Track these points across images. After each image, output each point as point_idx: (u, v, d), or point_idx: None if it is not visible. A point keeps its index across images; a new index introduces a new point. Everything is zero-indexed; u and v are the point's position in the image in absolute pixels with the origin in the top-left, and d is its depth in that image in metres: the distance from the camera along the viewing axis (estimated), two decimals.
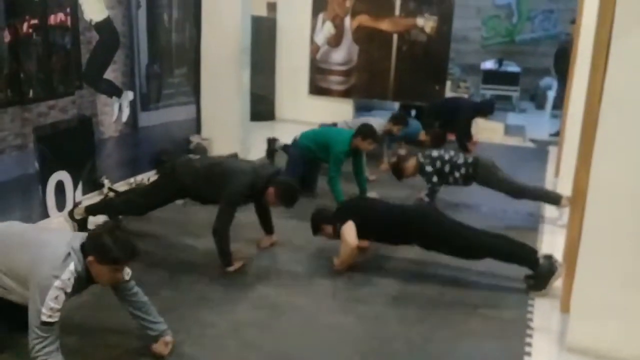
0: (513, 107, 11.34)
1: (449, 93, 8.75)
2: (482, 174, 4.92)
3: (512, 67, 11.47)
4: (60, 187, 4.49)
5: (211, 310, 3.15)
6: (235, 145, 6.45)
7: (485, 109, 7.75)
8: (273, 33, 9.07)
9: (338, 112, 8.74)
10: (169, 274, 3.62)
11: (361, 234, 3.71)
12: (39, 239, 2.54)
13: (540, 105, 11.98)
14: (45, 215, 4.37)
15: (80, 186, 4.73)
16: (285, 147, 6.28)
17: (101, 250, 2.40)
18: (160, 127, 5.89)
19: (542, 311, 3.34)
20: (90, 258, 2.42)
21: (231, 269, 3.66)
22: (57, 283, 2.33)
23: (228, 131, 6.51)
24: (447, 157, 5.02)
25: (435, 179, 4.99)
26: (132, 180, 5.43)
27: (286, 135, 6.77)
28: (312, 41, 8.98)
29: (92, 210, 4.21)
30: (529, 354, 2.90)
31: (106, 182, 5.05)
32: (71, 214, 4.20)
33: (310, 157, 5.39)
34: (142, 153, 5.62)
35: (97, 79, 4.91)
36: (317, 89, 9.08)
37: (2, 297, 2.58)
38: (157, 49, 5.70)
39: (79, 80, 4.64)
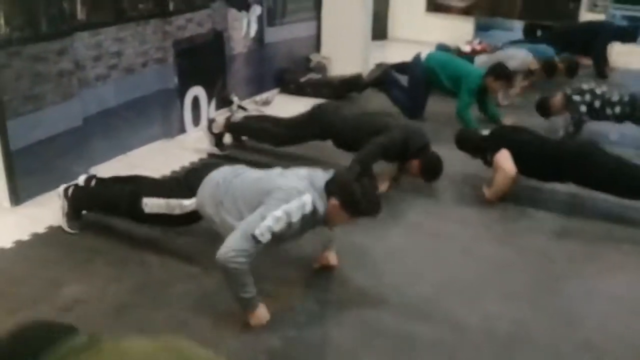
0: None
1: (583, 12, 7.95)
2: (639, 113, 4.43)
3: None
4: (195, 103, 4.48)
5: (365, 234, 3.05)
6: (356, 65, 6.18)
7: (627, 35, 6.99)
8: None
9: (457, 32, 8.23)
10: None
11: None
12: (275, 174, 2.49)
13: None
14: (183, 129, 4.39)
15: (213, 102, 4.70)
16: (402, 65, 5.97)
17: (351, 199, 2.32)
18: (284, 43, 5.74)
19: None
20: (334, 202, 2.33)
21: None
22: (285, 206, 2.24)
23: (348, 50, 6.23)
24: (599, 91, 4.53)
25: (583, 108, 4.54)
26: (257, 98, 5.36)
27: (401, 57, 6.43)
28: None
29: (231, 127, 4.18)
30: None
31: (235, 99, 5.01)
32: (210, 128, 4.19)
33: (432, 81, 5.08)
34: (266, 70, 5.54)
35: None
36: (435, 6, 8.54)
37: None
38: None
39: None
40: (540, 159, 3.50)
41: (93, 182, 3.01)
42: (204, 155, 4.10)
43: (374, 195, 2.36)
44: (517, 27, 8.90)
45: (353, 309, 2.48)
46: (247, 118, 4.36)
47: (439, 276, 2.76)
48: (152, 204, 2.64)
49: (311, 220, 2.34)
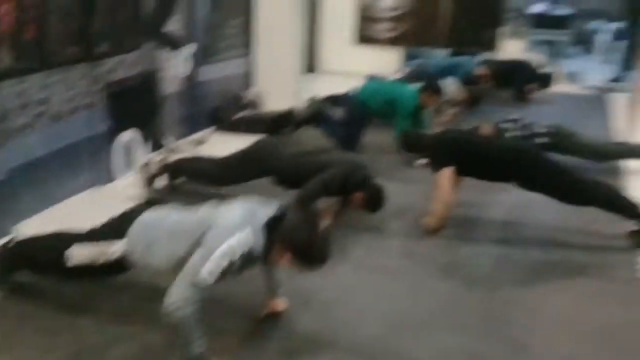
0: (560, 52, 10.89)
1: (504, 40, 8.34)
2: (564, 142, 4.66)
3: (563, 10, 10.93)
4: (128, 147, 4.34)
5: (312, 275, 2.98)
6: (288, 100, 6.19)
7: (543, 81, 7.39)
8: None
9: (385, 62, 8.44)
10: None
11: (461, 170, 3.56)
12: (211, 210, 2.40)
13: (588, 50, 11.51)
14: (115, 176, 4.23)
15: (147, 144, 4.57)
16: (334, 97, 6.05)
17: (300, 245, 2.23)
18: (217, 81, 5.69)
19: None
20: (280, 244, 2.26)
21: None
22: (225, 244, 2.15)
23: (280, 85, 6.26)
24: (526, 122, 4.78)
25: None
26: (192, 137, 5.27)
27: (330, 89, 6.50)
28: None
29: (167, 169, 4.07)
30: None
31: (169, 140, 4.90)
32: (144, 171, 4.06)
33: (369, 112, 5.18)
34: (200, 109, 5.46)
35: (159, 32, 4.69)
36: (362, 38, 8.74)
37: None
38: None
39: (144, 34, 4.43)
40: (488, 159, 3.60)
41: (12, 243, 2.82)
42: (139, 201, 3.95)
43: (326, 242, 2.30)
44: (439, 55, 9.27)
45: (304, 355, 2.42)
46: (183, 159, 4.26)
47: (389, 313, 2.74)
48: (75, 255, 2.44)
49: (251, 257, 2.25)
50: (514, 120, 4.77)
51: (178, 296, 2.11)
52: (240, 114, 5.75)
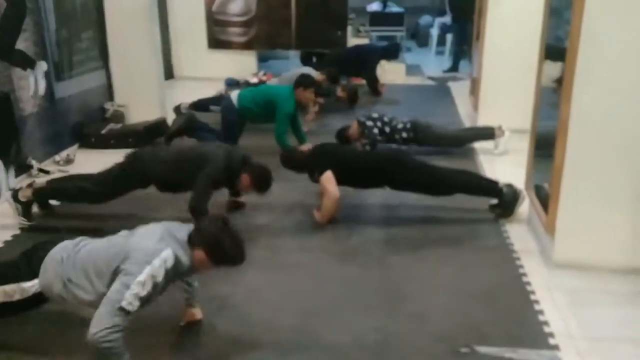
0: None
1: (350, 38, 8.85)
2: (422, 135, 5.14)
3: (396, 8, 11.81)
4: None
5: (222, 281, 3.07)
6: (153, 109, 6.09)
7: (391, 53, 7.99)
8: None
9: (241, 65, 8.56)
10: None
11: (337, 181, 3.78)
12: (126, 237, 2.39)
13: (423, 44, 12.54)
14: None
15: (11, 170, 4.29)
16: (202, 102, 6.11)
17: (218, 250, 2.32)
18: (76, 96, 5.45)
19: (517, 235, 3.66)
20: (200, 253, 2.31)
21: None
22: (148, 268, 2.17)
23: (143, 94, 6.11)
24: (386, 119, 5.19)
25: (376, 130, 5.11)
26: (57, 157, 5.01)
27: (190, 95, 6.54)
28: None
29: (39, 194, 3.85)
30: (525, 275, 3.19)
31: (34, 162, 4.63)
32: (15, 198, 3.81)
33: (247, 118, 5.29)
34: (62, 127, 5.20)
35: (9, 50, 4.40)
36: (216, 42, 8.77)
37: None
38: (64, 12, 5.19)
39: None
40: (361, 169, 3.90)
41: None
42: (15, 231, 3.73)
43: (240, 242, 2.41)
44: (292, 56, 9.60)
45: (233, 357, 2.51)
46: (54, 180, 4.07)
47: (299, 305, 2.91)
48: None
49: (175, 274, 2.32)
50: (375, 119, 5.16)
51: (103, 324, 2.11)
52: (108, 128, 5.54)
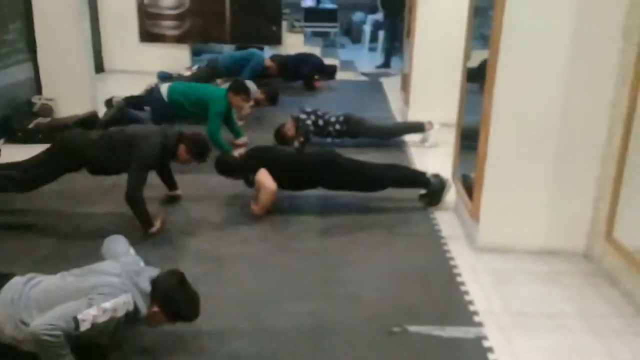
0: (333, 42, 11.94)
1: (285, 33, 8.92)
2: (354, 128, 5.30)
3: (329, 4, 11.99)
4: None
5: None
6: (84, 103, 5.97)
7: (327, 72, 8.07)
8: None
9: (174, 59, 8.49)
10: (91, 246, 3.41)
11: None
12: (85, 274, 2.37)
13: (356, 40, 12.78)
14: None
15: None
16: (135, 99, 6.01)
17: (172, 308, 2.36)
18: (2, 90, 5.28)
19: (445, 222, 3.88)
20: (155, 309, 2.34)
21: (154, 229, 3.58)
22: (113, 300, 2.20)
23: (73, 88, 5.99)
24: (320, 112, 5.32)
25: (309, 122, 5.25)
26: None
27: (122, 89, 6.45)
28: None
29: None
30: (452, 258, 3.39)
31: None
32: None
33: (176, 112, 5.28)
34: None
35: None
36: (149, 36, 8.65)
37: None
38: None
39: None
40: (294, 171, 3.99)
41: None
42: None
43: (195, 299, 2.45)
44: (227, 50, 9.57)
45: (178, 354, 2.54)
46: None
47: (240, 294, 2.99)
48: None
49: (131, 321, 2.33)
50: (309, 113, 5.28)
51: (50, 321, 2.10)
52: (35, 122, 5.39)
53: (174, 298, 2.36)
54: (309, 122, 5.22)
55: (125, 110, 5.34)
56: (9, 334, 2.24)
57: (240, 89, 5.29)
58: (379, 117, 6.07)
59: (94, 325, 2.15)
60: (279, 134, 5.28)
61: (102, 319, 2.17)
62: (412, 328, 2.71)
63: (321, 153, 4.20)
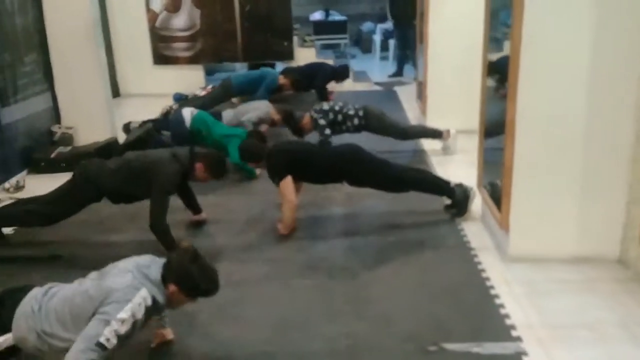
0: (343, 53, 11.94)
1: (297, 48, 8.93)
2: (373, 122, 5.27)
3: (338, 16, 12.00)
4: None
5: None
6: (103, 129, 6.01)
7: (340, 74, 8.05)
8: (101, 1, 8.43)
9: (188, 80, 8.53)
10: None
11: (297, 177, 3.88)
12: (98, 278, 2.36)
13: (366, 50, 12.77)
14: None
15: None
16: (160, 123, 6.03)
17: (189, 283, 2.32)
18: (23, 121, 5.33)
19: (473, 233, 3.81)
20: (173, 288, 2.31)
21: None
22: (128, 306, 2.18)
23: (92, 116, 6.03)
24: (337, 107, 5.30)
25: (328, 131, 5.23)
26: (6, 184, 4.88)
27: (138, 113, 6.47)
28: (148, 8, 8.52)
29: None
30: (484, 270, 3.32)
31: None
32: None
33: (197, 139, 5.26)
34: (10, 153, 5.07)
35: None
36: (162, 58, 8.71)
37: None
38: (4, 36, 5.08)
39: None
40: (318, 166, 3.97)
41: None
42: None
43: (212, 271, 2.42)
44: (239, 68, 9.61)
45: None
46: (4, 207, 3.98)
47: (270, 318, 2.95)
48: None
49: (153, 311, 2.34)
50: (327, 111, 5.26)
51: (78, 357, 2.09)
52: (57, 151, 5.44)
53: (189, 272, 2.33)
54: (327, 130, 5.21)
55: (151, 133, 5.36)
56: (32, 344, 2.27)
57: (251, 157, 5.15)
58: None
59: (120, 337, 2.16)
60: (296, 128, 5.35)
61: (124, 328, 2.17)
62: (449, 346, 2.65)
63: (345, 145, 4.15)
